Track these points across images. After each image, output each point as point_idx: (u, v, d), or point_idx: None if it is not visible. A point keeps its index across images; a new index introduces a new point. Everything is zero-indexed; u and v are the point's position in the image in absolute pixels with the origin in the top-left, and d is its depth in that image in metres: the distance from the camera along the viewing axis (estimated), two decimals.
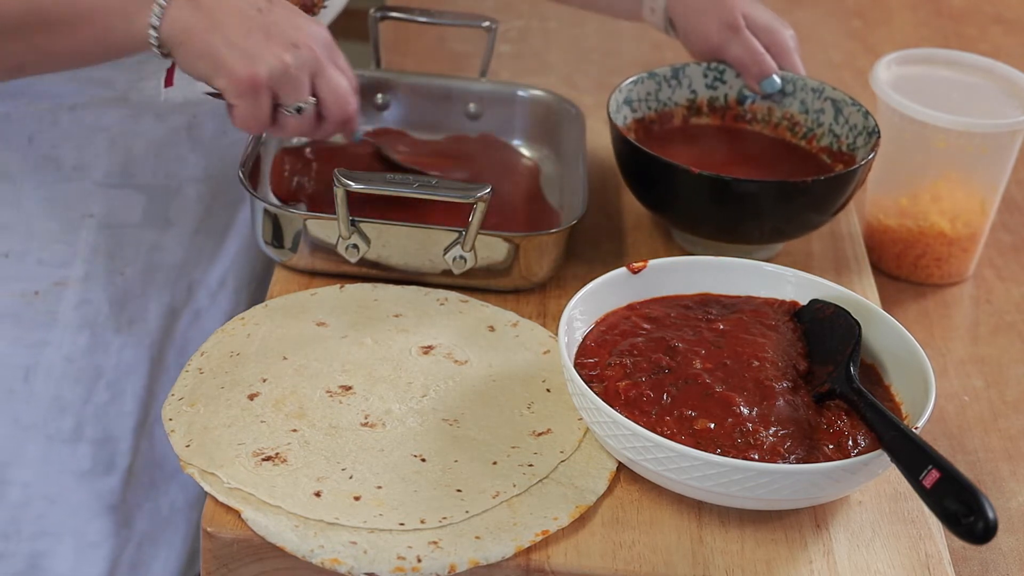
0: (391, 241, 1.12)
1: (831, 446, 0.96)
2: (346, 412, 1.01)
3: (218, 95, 1.05)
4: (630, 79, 1.26)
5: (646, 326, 1.05)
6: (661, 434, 0.94)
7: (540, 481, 0.97)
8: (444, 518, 0.93)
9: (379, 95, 1.32)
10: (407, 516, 0.93)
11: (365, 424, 1.00)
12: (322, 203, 1.18)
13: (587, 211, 1.16)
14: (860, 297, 1.07)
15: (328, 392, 1.02)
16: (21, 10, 1.03)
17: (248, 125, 1.05)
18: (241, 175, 1.14)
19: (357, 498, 0.94)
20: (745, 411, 0.97)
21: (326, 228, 1.12)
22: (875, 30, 1.81)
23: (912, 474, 0.89)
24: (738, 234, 1.19)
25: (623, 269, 1.07)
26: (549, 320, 1.13)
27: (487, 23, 1.32)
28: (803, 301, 1.08)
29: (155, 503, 1.33)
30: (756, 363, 1.00)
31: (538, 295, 1.16)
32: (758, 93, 1.28)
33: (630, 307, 1.07)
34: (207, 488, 0.94)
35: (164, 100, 1.21)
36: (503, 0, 1.76)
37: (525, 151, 1.31)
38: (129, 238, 1.26)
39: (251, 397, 1.01)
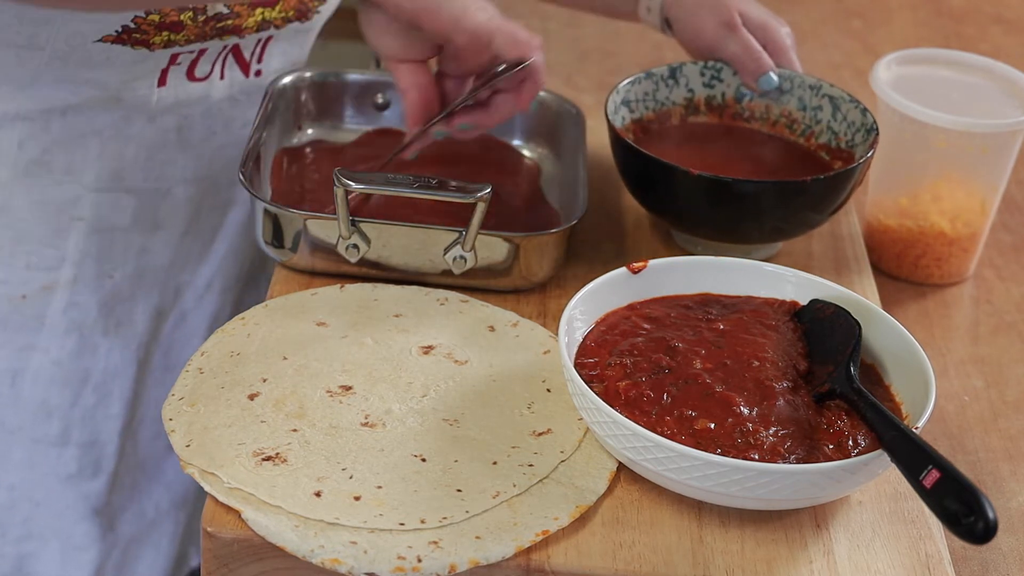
0: (391, 241, 1.13)
1: (831, 446, 0.96)
2: (346, 412, 1.01)
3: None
4: (627, 80, 1.26)
5: (646, 326, 1.05)
6: (661, 434, 0.94)
7: (540, 481, 0.97)
8: (444, 518, 0.93)
9: (379, 95, 1.32)
10: (407, 516, 0.93)
11: (365, 424, 1.00)
12: (322, 203, 1.18)
13: (587, 211, 1.16)
14: (860, 297, 1.07)
15: (328, 392, 1.02)
16: None
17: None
18: (241, 175, 1.14)
19: (357, 498, 0.94)
20: (745, 411, 0.97)
21: (326, 228, 1.12)
22: (875, 30, 1.81)
23: (912, 474, 0.89)
24: (738, 234, 1.19)
25: (623, 269, 1.07)
26: (549, 320, 1.13)
27: None
28: (803, 301, 1.08)
29: (140, 505, 1.33)
30: (756, 363, 1.00)
31: (538, 295, 1.16)
32: (755, 91, 1.28)
33: (630, 307, 1.07)
34: (207, 488, 0.94)
35: (157, 101, 1.21)
36: (503, 0, 1.75)
37: (525, 151, 1.31)
38: (118, 241, 1.26)
39: (251, 397, 1.01)
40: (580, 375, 0.98)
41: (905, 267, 1.32)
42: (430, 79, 1.13)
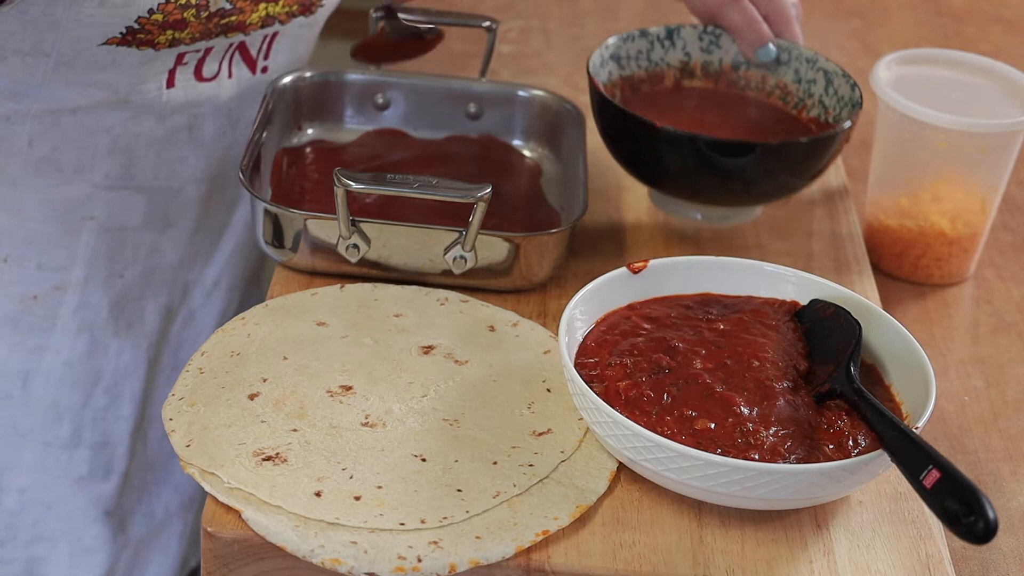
0: (391, 241, 1.13)
1: (831, 446, 0.96)
2: (346, 412, 1.01)
3: None
4: (620, 36, 1.25)
5: (646, 326, 1.05)
6: (661, 434, 0.94)
7: (540, 481, 0.97)
8: (445, 518, 0.93)
9: (379, 95, 1.32)
10: (407, 516, 0.93)
11: (365, 424, 1.00)
12: (322, 203, 1.18)
13: (587, 211, 1.15)
14: (860, 297, 1.07)
15: (328, 392, 1.02)
16: None
17: None
18: (241, 175, 1.14)
19: (357, 498, 0.94)
20: (745, 411, 0.97)
21: (326, 228, 1.12)
22: (875, 30, 1.81)
23: (912, 474, 0.89)
24: (706, 193, 1.18)
25: (623, 269, 1.07)
26: (549, 320, 1.13)
27: (487, 23, 1.32)
28: (803, 301, 1.08)
29: (149, 507, 1.33)
30: (756, 363, 1.00)
31: (538, 295, 1.16)
32: (753, 61, 1.27)
33: (630, 307, 1.07)
34: (207, 488, 0.94)
35: (166, 102, 1.21)
36: (503, 0, 1.76)
37: (525, 151, 1.31)
38: (129, 240, 1.26)
39: (251, 397, 1.01)
40: (580, 375, 0.98)
41: (905, 267, 1.32)
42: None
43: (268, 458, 0.96)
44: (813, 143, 1.16)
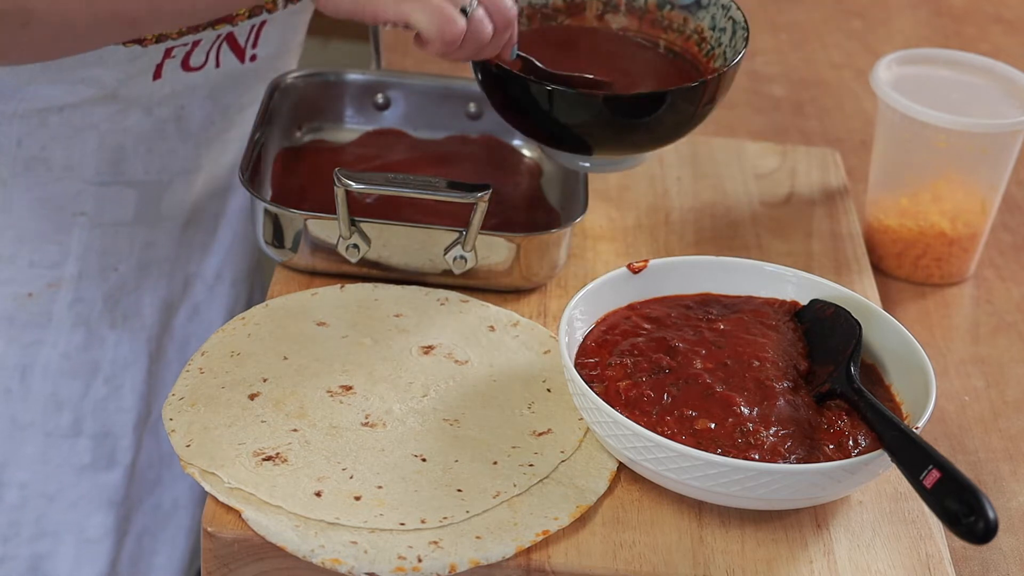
0: (391, 241, 1.13)
1: (832, 446, 0.97)
2: (347, 412, 1.01)
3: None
4: None
5: (647, 326, 1.05)
6: (662, 434, 0.94)
7: (541, 481, 0.97)
8: (445, 518, 0.93)
9: (379, 95, 1.32)
10: (408, 516, 0.93)
11: (366, 424, 1.00)
12: (322, 203, 1.18)
13: (587, 211, 1.15)
14: (860, 297, 1.07)
15: (329, 392, 1.02)
16: None
17: (444, 31, 1.01)
18: (241, 176, 1.14)
19: (358, 498, 0.94)
20: (746, 411, 0.97)
21: (326, 228, 1.12)
22: (875, 30, 1.81)
23: (913, 474, 0.89)
24: (573, 143, 1.14)
25: (623, 269, 1.07)
26: (549, 320, 1.13)
27: None
28: (804, 301, 1.08)
29: (157, 499, 1.33)
30: (757, 363, 1.00)
31: (538, 295, 1.16)
32: (674, 3, 1.23)
33: (631, 307, 1.07)
34: (207, 488, 0.94)
35: (153, 93, 1.20)
36: None
37: (525, 151, 1.31)
38: (122, 235, 1.26)
39: (251, 397, 1.01)
40: (580, 375, 0.98)
41: (905, 267, 1.32)
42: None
43: (268, 458, 0.96)
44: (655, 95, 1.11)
